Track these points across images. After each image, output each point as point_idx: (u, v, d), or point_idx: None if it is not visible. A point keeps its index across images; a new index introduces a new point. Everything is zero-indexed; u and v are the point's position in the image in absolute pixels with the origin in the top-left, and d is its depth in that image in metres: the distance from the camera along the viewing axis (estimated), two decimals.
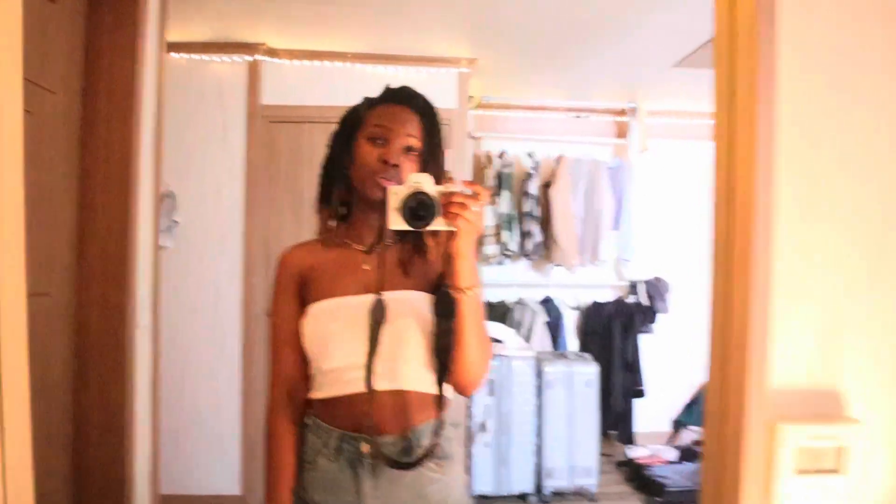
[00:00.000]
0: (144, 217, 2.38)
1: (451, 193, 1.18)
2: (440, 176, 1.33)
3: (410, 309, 1.31)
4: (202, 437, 3.70)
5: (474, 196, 1.18)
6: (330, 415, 1.34)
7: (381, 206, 1.26)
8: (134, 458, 2.35)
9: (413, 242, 1.37)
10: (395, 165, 1.32)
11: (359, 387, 1.28)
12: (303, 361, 1.38)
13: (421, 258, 1.38)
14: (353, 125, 1.40)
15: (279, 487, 1.37)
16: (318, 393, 1.36)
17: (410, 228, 1.19)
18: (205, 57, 3.70)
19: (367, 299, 1.30)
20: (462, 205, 1.16)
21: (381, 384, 1.28)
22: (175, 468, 3.61)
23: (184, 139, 3.68)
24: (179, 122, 3.64)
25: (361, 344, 1.28)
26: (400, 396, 1.31)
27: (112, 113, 2.22)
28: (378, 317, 1.28)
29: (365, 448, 1.29)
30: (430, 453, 1.27)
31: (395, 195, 1.20)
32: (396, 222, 1.20)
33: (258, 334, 3.70)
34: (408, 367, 1.31)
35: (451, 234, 1.19)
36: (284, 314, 1.41)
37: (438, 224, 1.19)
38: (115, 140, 2.22)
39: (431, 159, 1.38)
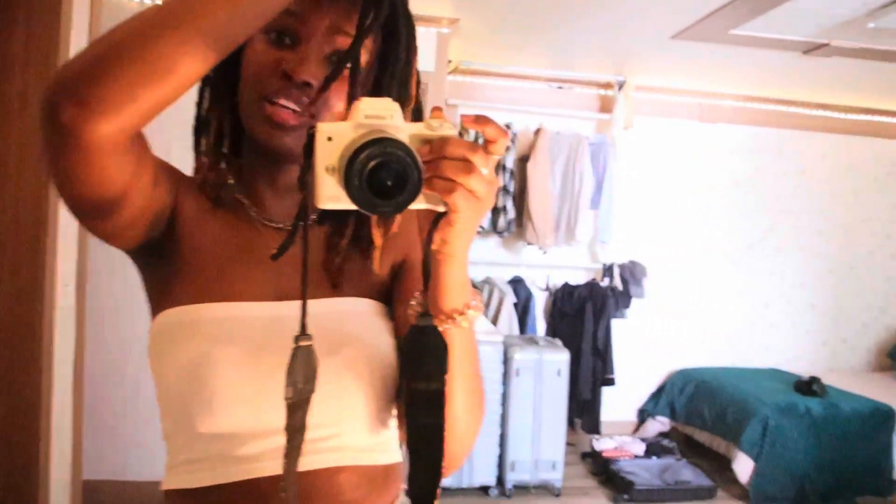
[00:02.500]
0: None
1: (443, 141, 0.61)
2: (408, 108, 0.82)
3: (360, 329, 0.81)
4: (143, 420, 3.41)
5: (485, 146, 0.63)
6: None
7: (290, 158, 0.77)
8: (49, 452, 2.07)
9: (357, 221, 0.85)
10: (307, 84, 0.75)
11: (270, 467, 0.75)
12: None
13: (367, 249, 0.85)
14: None
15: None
16: (183, 479, 0.78)
17: (362, 210, 0.60)
18: None
19: (284, 311, 0.78)
20: (464, 164, 0.60)
21: (313, 460, 0.76)
22: (113, 453, 3.34)
23: None
24: None
25: (274, 391, 0.70)
26: (345, 478, 0.79)
27: (29, 55, 1.88)
28: (304, 334, 0.69)
29: None
30: None
31: (332, 142, 0.61)
32: (332, 195, 0.62)
33: None
34: (358, 429, 0.80)
35: (435, 218, 0.65)
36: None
37: (420, 200, 0.62)
38: (34, 91, 1.88)
39: (388, 82, 0.80)
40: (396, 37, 0.79)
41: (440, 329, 0.68)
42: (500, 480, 3.77)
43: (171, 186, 0.81)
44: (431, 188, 0.61)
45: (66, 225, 2.05)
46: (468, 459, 3.60)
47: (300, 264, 0.68)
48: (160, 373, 0.79)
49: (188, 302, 0.79)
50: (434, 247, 0.66)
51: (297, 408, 0.67)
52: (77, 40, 2.02)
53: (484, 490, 3.77)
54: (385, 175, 0.58)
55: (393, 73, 0.80)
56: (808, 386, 4.12)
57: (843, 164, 5.11)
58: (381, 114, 0.61)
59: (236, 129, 0.84)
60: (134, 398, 3.41)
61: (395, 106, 0.62)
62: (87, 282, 2.23)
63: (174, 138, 3.33)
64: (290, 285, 0.79)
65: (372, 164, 0.58)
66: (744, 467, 3.80)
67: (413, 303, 0.72)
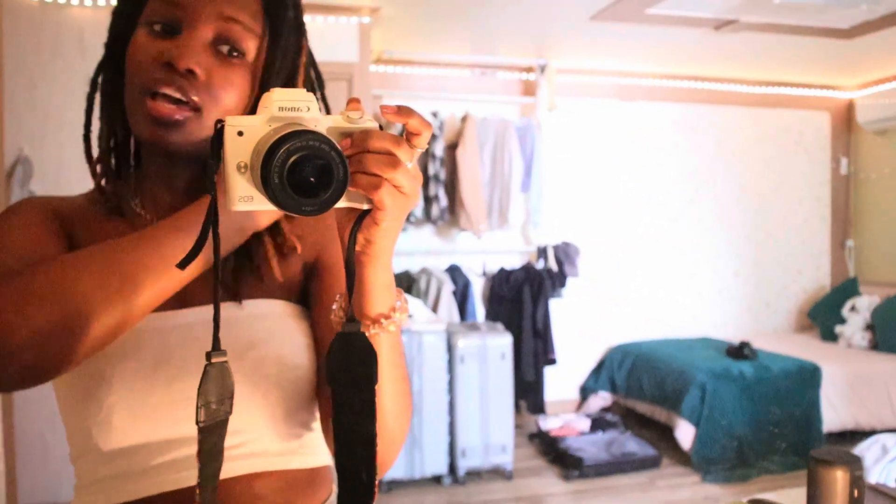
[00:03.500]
0: None
1: (365, 135, 0.57)
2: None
3: (266, 332, 0.77)
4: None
5: (409, 138, 0.59)
6: None
7: (183, 156, 0.73)
8: None
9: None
10: (190, 72, 0.70)
11: (182, 478, 0.71)
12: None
13: (276, 246, 0.81)
14: None
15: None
16: (93, 499, 0.74)
17: (286, 211, 0.55)
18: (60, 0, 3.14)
19: (188, 318, 0.74)
20: (389, 158, 0.56)
21: (228, 468, 0.69)
22: (44, 475, 3.15)
23: (36, 98, 3.13)
24: (32, 77, 3.09)
25: (177, 402, 0.71)
26: (262, 484, 0.76)
27: None
28: (217, 349, 0.61)
29: None
30: None
31: (242, 137, 0.56)
32: (246, 196, 0.56)
33: None
34: (269, 434, 0.76)
35: (359, 217, 0.61)
36: (28, 236, 0.73)
37: (345, 198, 0.57)
38: None
39: (283, 76, 0.76)
40: (287, 19, 0.75)
41: (367, 335, 0.64)
42: (452, 468, 3.76)
43: (61, 237, 0.76)
44: (355, 185, 0.57)
45: None
46: (419, 449, 3.59)
47: (203, 270, 0.68)
48: (60, 397, 0.75)
49: None
50: (358, 248, 0.61)
51: (211, 431, 0.60)
52: None
53: (436, 479, 3.76)
54: (308, 171, 0.53)
55: (284, 59, 0.76)
56: (739, 350, 4.28)
57: (755, 135, 5.32)
58: (296, 105, 0.56)
59: (129, 133, 0.80)
60: (59, 421, 3.24)
61: (311, 97, 0.57)
62: None
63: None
64: (191, 291, 0.74)
65: (293, 159, 0.52)
66: (685, 434, 3.92)
67: (335, 307, 0.67)
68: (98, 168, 0.80)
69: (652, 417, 4.36)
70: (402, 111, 0.58)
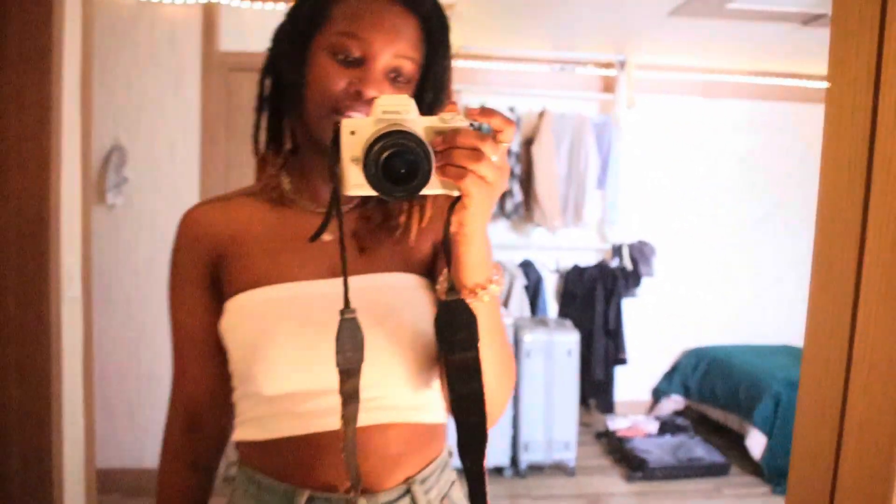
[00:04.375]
0: (70, 173, 2.10)
1: (455, 132, 0.67)
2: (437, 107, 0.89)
3: (402, 301, 0.88)
4: (159, 407, 3.47)
5: (493, 135, 0.69)
6: (279, 466, 0.88)
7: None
8: (62, 441, 2.12)
9: (383, 209, 0.94)
10: (374, 99, 0.81)
11: (326, 423, 0.84)
12: (216, 378, 0.95)
13: (408, 228, 0.95)
14: (310, 19, 0.87)
15: None
16: (253, 432, 0.90)
17: (381, 195, 0.68)
18: None
19: (334, 286, 0.82)
20: (474, 152, 0.67)
21: (365, 418, 0.82)
22: (131, 440, 3.41)
23: (133, 89, 3.37)
24: (129, 71, 3.33)
25: (324, 357, 0.80)
26: (394, 433, 0.88)
27: (24, 56, 1.92)
28: (347, 308, 0.77)
29: None
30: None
31: (354, 136, 0.68)
32: (357, 183, 0.69)
33: None
34: (403, 389, 0.88)
35: (451, 202, 0.72)
36: (187, 308, 0.94)
37: (433, 186, 0.69)
38: (29, 86, 1.93)
39: (433, 91, 0.89)
40: (438, 55, 0.89)
41: (466, 302, 0.75)
42: (514, 461, 3.80)
43: (206, 274, 0.94)
44: (445, 175, 0.68)
45: (68, 218, 2.10)
46: None
47: (349, 241, 0.85)
48: (230, 349, 0.90)
49: (244, 289, 0.89)
50: (452, 229, 0.72)
51: (349, 375, 0.77)
52: (71, 38, 2.06)
53: (498, 471, 3.80)
54: (398, 163, 0.66)
55: (435, 79, 0.90)
56: None
57: None
58: (397, 109, 0.68)
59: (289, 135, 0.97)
60: (148, 388, 3.47)
61: (410, 101, 0.69)
62: (93, 273, 2.28)
63: (176, 134, 3.36)
64: (338, 263, 0.85)
65: (385, 153, 0.66)
66: (757, 443, 3.79)
67: (441, 279, 0.78)
68: (269, 162, 0.95)
69: (724, 424, 4.23)
70: (485, 111, 0.69)
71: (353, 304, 0.77)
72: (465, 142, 0.67)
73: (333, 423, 0.80)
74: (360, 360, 0.77)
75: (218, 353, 0.93)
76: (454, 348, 0.76)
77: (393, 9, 0.85)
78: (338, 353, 0.76)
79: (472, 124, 0.69)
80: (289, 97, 0.91)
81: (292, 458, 0.87)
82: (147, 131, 3.41)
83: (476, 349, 0.76)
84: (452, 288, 0.76)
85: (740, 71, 4.78)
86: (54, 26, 1.92)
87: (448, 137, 0.67)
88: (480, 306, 0.76)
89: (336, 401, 0.78)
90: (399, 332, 0.85)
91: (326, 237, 0.80)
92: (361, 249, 0.91)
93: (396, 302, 0.87)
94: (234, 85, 3.50)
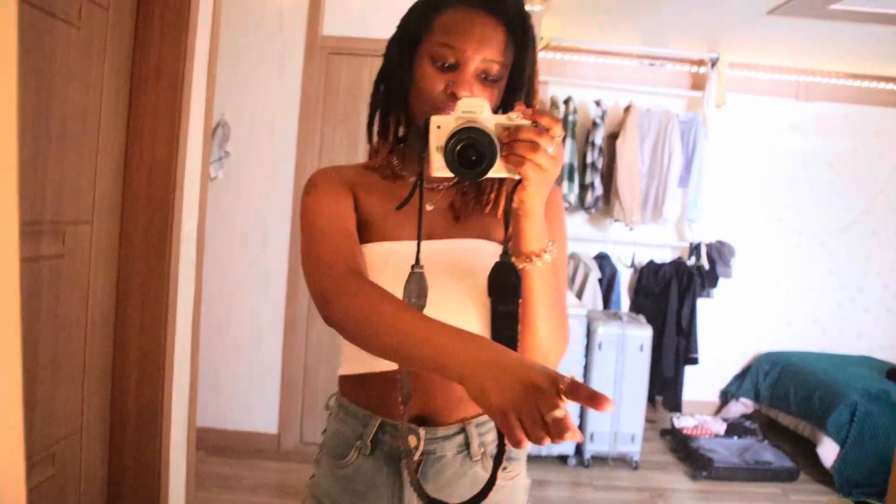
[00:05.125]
0: (194, 146, 2.27)
1: (517, 128, 0.84)
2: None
3: (481, 263, 1.00)
4: (242, 374, 3.67)
5: (546, 131, 0.84)
6: (362, 396, 1.07)
7: None
8: (171, 392, 2.30)
9: (476, 188, 1.10)
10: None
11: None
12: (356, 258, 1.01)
13: (485, 206, 1.10)
14: (416, 32, 1.04)
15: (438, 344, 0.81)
16: (348, 367, 1.08)
17: (458, 177, 0.86)
18: None
19: (426, 246, 1.00)
20: (531, 144, 0.83)
21: None
22: (213, 402, 3.62)
23: (240, 68, 3.54)
24: (237, 51, 3.50)
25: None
26: None
27: (164, 33, 2.09)
28: (417, 263, 0.98)
29: (413, 442, 1.01)
30: (500, 453, 0.94)
31: (440, 130, 0.86)
32: (440, 167, 0.86)
33: (303, 276, 3.61)
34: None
35: (515, 184, 0.88)
36: (332, 211, 1.04)
37: (499, 170, 0.85)
38: (167, 62, 2.10)
39: (516, 91, 1.04)
40: (523, 59, 1.03)
41: (520, 267, 0.92)
42: (579, 450, 3.86)
43: (349, 199, 1.08)
44: (509, 162, 0.85)
45: (190, 186, 2.27)
46: None
47: (439, 214, 1.07)
48: None
49: (367, 241, 1.05)
50: (514, 205, 0.90)
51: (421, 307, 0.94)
52: (203, 19, 2.23)
53: (562, 459, 3.88)
54: (471, 153, 0.83)
55: (520, 80, 1.04)
56: None
57: None
58: (473, 109, 0.86)
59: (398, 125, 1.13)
60: (234, 354, 3.67)
61: (485, 103, 0.86)
62: (205, 237, 2.45)
63: (276, 113, 3.51)
64: (433, 229, 1.06)
65: (460, 145, 0.83)
66: (829, 452, 3.75)
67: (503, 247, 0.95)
68: (379, 148, 1.11)
69: (794, 431, 4.19)
70: (536, 112, 0.84)
71: (441, 262, 0.97)
72: (525, 136, 0.83)
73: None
74: (422, 306, 0.95)
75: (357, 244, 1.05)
76: (500, 301, 0.93)
77: (482, 20, 1.00)
78: (404, 298, 0.94)
79: (533, 122, 0.84)
80: (397, 96, 1.07)
81: (373, 391, 1.05)
82: (250, 109, 3.59)
83: (517, 304, 0.92)
84: (506, 252, 0.93)
85: (836, 73, 4.68)
86: (191, 10, 2.08)
87: (513, 132, 0.84)
88: (535, 270, 0.92)
89: None
90: (474, 290, 1.00)
91: (428, 207, 1.01)
92: (456, 218, 1.08)
93: (477, 263, 1.00)
94: (334, 67, 3.64)
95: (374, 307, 0.86)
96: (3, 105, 0.47)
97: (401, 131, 1.11)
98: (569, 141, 4.39)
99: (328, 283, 0.93)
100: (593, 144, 4.42)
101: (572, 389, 0.66)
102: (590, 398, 0.66)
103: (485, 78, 1.01)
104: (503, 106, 1.06)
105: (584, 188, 4.46)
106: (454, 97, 0.98)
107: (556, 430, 0.65)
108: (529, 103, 1.04)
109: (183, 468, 2.48)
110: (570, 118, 4.42)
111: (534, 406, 0.67)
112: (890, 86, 4.71)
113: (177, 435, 2.40)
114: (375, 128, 1.12)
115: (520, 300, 0.93)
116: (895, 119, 4.81)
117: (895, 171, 4.87)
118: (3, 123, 0.47)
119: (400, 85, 1.06)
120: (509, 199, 0.89)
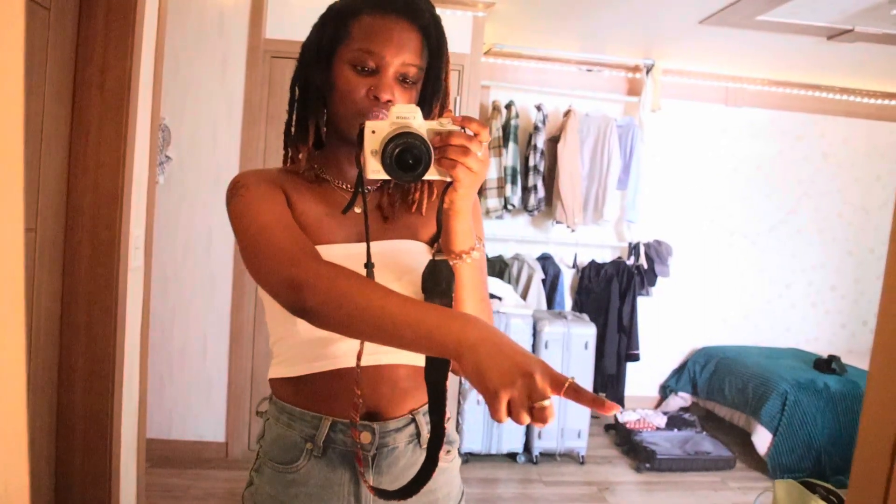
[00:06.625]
0: (140, 150, 2.23)
1: (449, 134, 0.89)
2: (437, 111, 1.11)
3: (415, 262, 1.06)
4: (188, 382, 3.60)
5: (475, 136, 0.90)
6: (307, 398, 1.08)
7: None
8: (121, 402, 2.24)
9: (401, 190, 1.15)
10: (389, 101, 1.03)
11: (350, 361, 1.03)
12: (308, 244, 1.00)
13: (411, 206, 1.15)
14: (333, 37, 1.06)
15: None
16: (286, 370, 1.09)
17: (394, 180, 0.91)
18: None
19: (361, 248, 1.00)
20: (462, 148, 0.88)
21: (380, 358, 1.05)
22: (158, 412, 3.53)
23: (179, 71, 3.48)
24: (177, 53, 3.44)
25: None
26: (403, 372, 1.08)
27: (109, 35, 2.04)
28: (369, 263, 0.98)
29: (366, 438, 1.05)
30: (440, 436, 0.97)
31: (374, 134, 0.90)
32: (375, 170, 0.90)
33: (249, 282, 3.57)
34: None
35: (445, 186, 0.93)
36: (274, 205, 1.04)
37: (432, 173, 0.91)
38: (112, 65, 2.05)
39: (433, 92, 1.10)
40: (438, 62, 1.09)
41: (451, 263, 0.98)
42: (528, 447, 3.93)
43: (282, 197, 1.07)
44: (441, 165, 0.90)
45: (138, 191, 2.22)
46: (497, 426, 3.78)
47: (369, 215, 1.07)
48: (268, 299, 1.06)
49: None
50: (445, 206, 0.95)
51: None
52: (149, 20, 2.19)
53: (511, 456, 3.94)
54: (407, 156, 0.88)
55: (436, 82, 1.10)
56: (827, 364, 4.23)
57: (864, 148, 5.18)
58: (406, 115, 0.91)
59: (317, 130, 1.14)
60: (179, 362, 3.60)
61: (417, 109, 0.91)
62: (153, 245, 2.40)
63: (218, 117, 3.46)
64: (363, 231, 1.06)
65: (398, 149, 0.88)
66: (762, 440, 3.93)
67: (435, 246, 1.00)
68: (298, 152, 1.12)
69: (730, 421, 4.37)
70: (465, 119, 0.90)
71: (376, 262, 0.98)
72: (456, 141, 0.89)
73: (353, 361, 1.01)
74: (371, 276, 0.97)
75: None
76: (434, 295, 0.97)
77: (399, 25, 1.04)
78: (366, 270, 0.96)
79: (461, 128, 0.90)
80: (314, 101, 1.09)
81: (319, 391, 1.07)
82: (191, 113, 3.53)
83: (451, 298, 0.97)
84: (440, 251, 0.98)
85: (763, 81, 4.90)
86: (137, 10, 2.04)
87: (444, 137, 0.89)
88: (464, 266, 0.99)
89: (356, 343, 1.00)
90: (410, 286, 1.03)
91: (356, 209, 1.06)
92: (384, 219, 1.12)
93: (411, 263, 1.06)
94: (277, 71, 3.61)
95: (359, 290, 0.85)
96: (9, 106, 0.48)
97: (323, 133, 1.11)
98: (511, 145, 4.46)
99: (296, 271, 0.89)
100: (535, 148, 4.51)
101: (575, 392, 0.71)
102: (594, 402, 0.71)
103: (403, 80, 1.05)
104: (419, 107, 1.07)
105: (526, 191, 4.54)
106: (377, 101, 1.03)
107: (541, 416, 0.71)
108: (444, 105, 1.12)
109: (133, 481, 2.42)
110: (513, 122, 4.50)
111: (526, 393, 0.71)
112: (812, 93, 4.97)
113: (127, 446, 2.34)
114: (293, 130, 1.13)
115: (454, 294, 0.98)
116: (817, 124, 5.08)
117: (818, 174, 5.14)
118: (7, 124, 0.47)
119: (317, 89, 1.08)
120: (441, 201, 0.94)
